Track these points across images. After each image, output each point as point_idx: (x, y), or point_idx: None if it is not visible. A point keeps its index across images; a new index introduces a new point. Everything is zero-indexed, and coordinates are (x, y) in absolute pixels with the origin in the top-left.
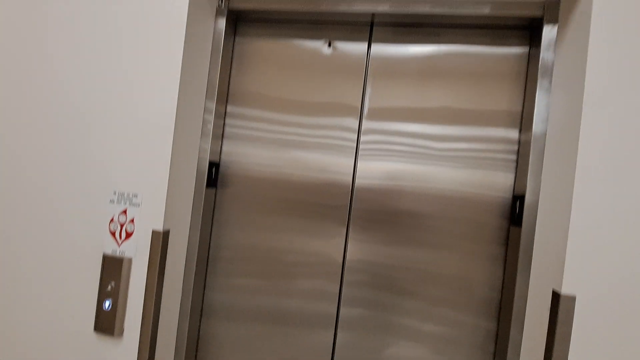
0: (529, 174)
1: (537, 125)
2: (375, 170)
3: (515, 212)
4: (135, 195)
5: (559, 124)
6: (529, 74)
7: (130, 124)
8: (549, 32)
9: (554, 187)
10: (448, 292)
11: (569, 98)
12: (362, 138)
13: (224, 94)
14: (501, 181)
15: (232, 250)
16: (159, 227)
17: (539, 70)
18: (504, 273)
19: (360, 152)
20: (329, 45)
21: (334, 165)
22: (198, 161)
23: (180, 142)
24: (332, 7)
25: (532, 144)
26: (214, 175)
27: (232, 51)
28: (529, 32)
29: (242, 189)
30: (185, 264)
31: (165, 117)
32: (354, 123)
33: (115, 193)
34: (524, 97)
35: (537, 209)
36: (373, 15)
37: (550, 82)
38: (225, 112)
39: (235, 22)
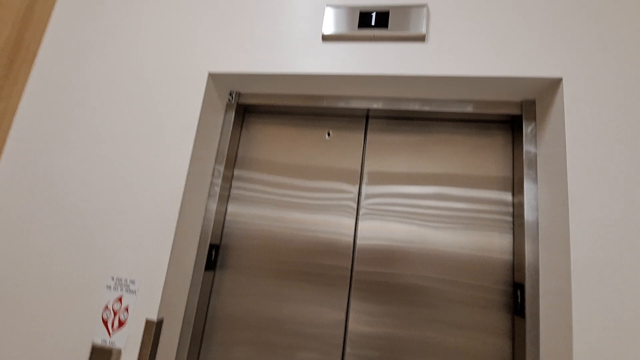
0: (526, 264)
1: (528, 214)
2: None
3: (517, 302)
4: (133, 282)
5: (549, 215)
6: (515, 165)
7: (135, 212)
8: (528, 128)
9: (553, 278)
10: None
11: (555, 190)
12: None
13: (229, 179)
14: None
15: (229, 320)
16: (153, 316)
17: (524, 163)
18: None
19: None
20: (328, 134)
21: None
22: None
23: (183, 229)
24: (332, 104)
25: (525, 233)
26: (214, 257)
27: (239, 138)
28: (510, 125)
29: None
30: (176, 352)
31: (170, 209)
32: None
33: (113, 279)
34: (513, 186)
35: (539, 300)
36: (368, 110)
37: (536, 172)
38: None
39: (243, 113)
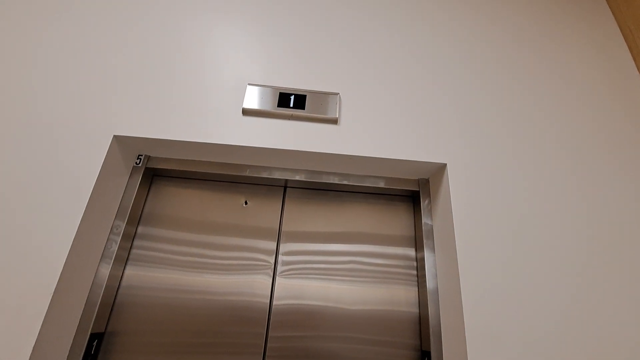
0: (430, 331)
1: (429, 282)
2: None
3: None
4: None
5: (446, 282)
6: (416, 229)
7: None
8: (425, 202)
9: (452, 347)
10: None
11: (448, 259)
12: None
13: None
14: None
15: None
16: None
17: (423, 234)
18: None
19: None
20: (245, 203)
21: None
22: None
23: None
24: (253, 173)
25: (428, 298)
26: (95, 349)
27: (146, 198)
28: (412, 199)
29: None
30: None
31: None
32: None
33: None
34: (416, 252)
35: None
36: (286, 180)
37: (433, 242)
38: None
39: (152, 177)
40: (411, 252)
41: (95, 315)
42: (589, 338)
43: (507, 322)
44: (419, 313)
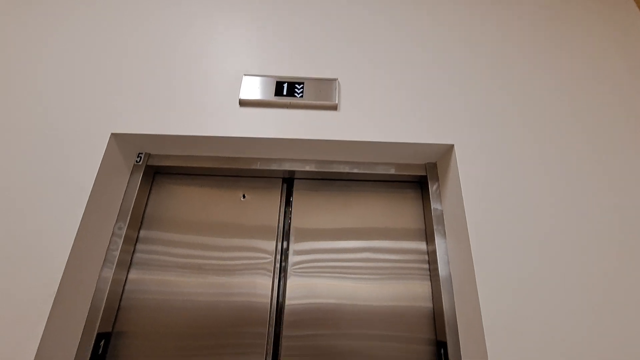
0: (445, 321)
1: (442, 269)
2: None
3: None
4: None
5: (459, 268)
6: (426, 218)
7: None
8: (433, 187)
9: (469, 332)
10: None
11: (460, 244)
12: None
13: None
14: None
15: None
16: None
17: (433, 220)
18: None
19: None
20: (244, 197)
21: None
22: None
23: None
24: (262, 166)
25: (441, 286)
26: (102, 349)
27: (148, 198)
28: (420, 185)
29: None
30: None
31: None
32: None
33: None
34: (427, 245)
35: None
36: (294, 172)
37: (444, 227)
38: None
39: (154, 174)
40: (422, 245)
41: (100, 315)
42: (613, 324)
43: (524, 306)
44: (433, 305)
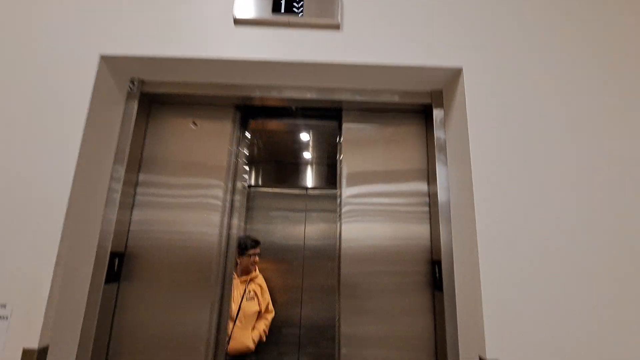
0: (441, 242)
1: (441, 195)
2: None
3: (436, 277)
4: (3, 306)
5: (458, 194)
6: (429, 153)
7: (5, 221)
8: (438, 116)
9: (464, 253)
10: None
11: (462, 171)
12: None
13: (135, 168)
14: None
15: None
16: (33, 345)
17: (435, 148)
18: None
19: None
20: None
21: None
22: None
23: (73, 240)
24: (264, 93)
25: (440, 212)
26: (117, 267)
27: (145, 134)
28: (424, 114)
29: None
30: None
31: (51, 218)
32: None
33: None
34: (428, 172)
35: (454, 275)
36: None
37: (446, 156)
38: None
39: (149, 104)
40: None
41: (111, 239)
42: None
43: (519, 228)
44: (430, 229)
